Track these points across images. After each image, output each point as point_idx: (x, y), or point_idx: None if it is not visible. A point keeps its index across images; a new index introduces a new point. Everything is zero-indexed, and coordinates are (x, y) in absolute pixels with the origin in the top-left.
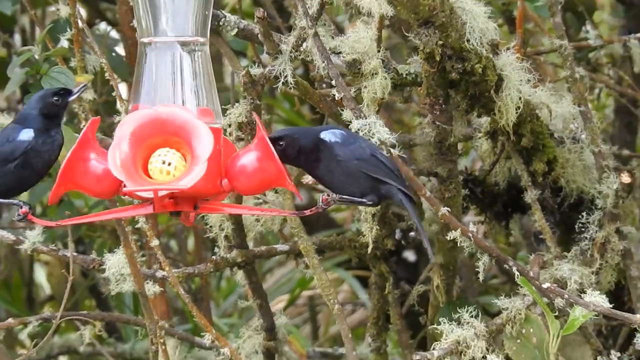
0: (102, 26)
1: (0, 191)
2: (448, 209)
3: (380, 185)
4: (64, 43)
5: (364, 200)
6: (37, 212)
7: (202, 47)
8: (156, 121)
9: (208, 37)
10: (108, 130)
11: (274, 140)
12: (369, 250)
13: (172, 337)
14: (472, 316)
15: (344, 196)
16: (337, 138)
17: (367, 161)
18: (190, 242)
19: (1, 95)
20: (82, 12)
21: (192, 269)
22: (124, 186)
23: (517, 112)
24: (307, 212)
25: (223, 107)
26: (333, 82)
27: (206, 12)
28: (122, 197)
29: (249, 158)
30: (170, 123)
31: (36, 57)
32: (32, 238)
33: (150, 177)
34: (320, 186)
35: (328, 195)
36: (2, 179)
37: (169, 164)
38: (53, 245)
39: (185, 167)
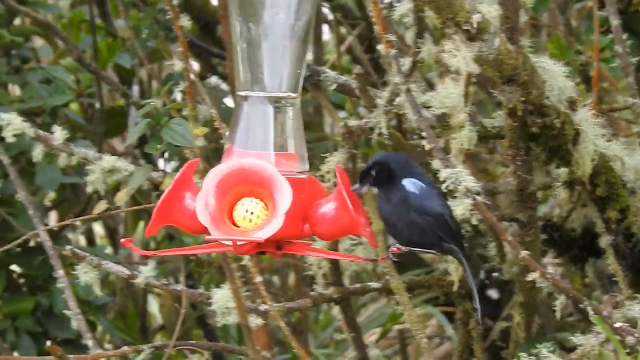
0: (214, 80)
1: None
2: (528, 252)
3: (443, 243)
4: (177, 95)
5: (431, 250)
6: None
7: (294, 101)
8: (240, 172)
9: (300, 93)
10: None
11: (366, 172)
12: (455, 289)
13: None
14: (550, 352)
15: (413, 248)
16: (416, 189)
17: (437, 219)
18: (292, 279)
19: (120, 141)
20: (195, 66)
21: (293, 304)
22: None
23: (592, 164)
24: (379, 260)
25: (323, 154)
26: (424, 134)
27: (299, 71)
28: None
29: (328, 207)
30: (254, 175)
31: (157, 109)
32: (146, 273)
33: (235, 223)
34: None
35: (398, 248)
36: None
37: (252, 213)
38: (165, 280)
39: (267, 216)
